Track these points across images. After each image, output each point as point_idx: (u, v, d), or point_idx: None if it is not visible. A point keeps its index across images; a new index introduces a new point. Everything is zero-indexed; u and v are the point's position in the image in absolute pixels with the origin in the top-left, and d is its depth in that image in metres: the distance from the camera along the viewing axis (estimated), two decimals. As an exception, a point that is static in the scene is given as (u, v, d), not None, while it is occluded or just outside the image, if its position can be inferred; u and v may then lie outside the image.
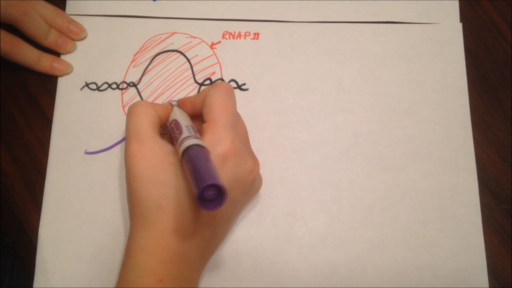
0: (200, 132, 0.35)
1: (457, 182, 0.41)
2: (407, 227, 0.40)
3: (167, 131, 0.38)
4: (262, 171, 0.41)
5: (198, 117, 0.38)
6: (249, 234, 0.40)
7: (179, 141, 0.33)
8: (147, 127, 0.35)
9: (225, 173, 0.33)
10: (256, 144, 0.42)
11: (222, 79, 0.44)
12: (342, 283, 0.39)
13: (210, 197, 0.28)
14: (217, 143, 0.33)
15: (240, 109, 0.43)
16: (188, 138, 0.32)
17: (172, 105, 0.39)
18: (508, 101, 0.43)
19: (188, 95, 0.44)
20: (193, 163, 0.30)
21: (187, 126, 0.35)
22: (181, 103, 0.39)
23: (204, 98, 0.36)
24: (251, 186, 0.37)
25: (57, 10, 0.45)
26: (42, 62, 0.44)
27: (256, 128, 0.42)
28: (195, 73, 0.44)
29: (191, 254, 0.34)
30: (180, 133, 0.34)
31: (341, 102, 0.43)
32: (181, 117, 0.36)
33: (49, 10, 0.45)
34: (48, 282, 0.40)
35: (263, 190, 0.41)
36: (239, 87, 0.44)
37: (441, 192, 0.41)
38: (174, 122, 0.36)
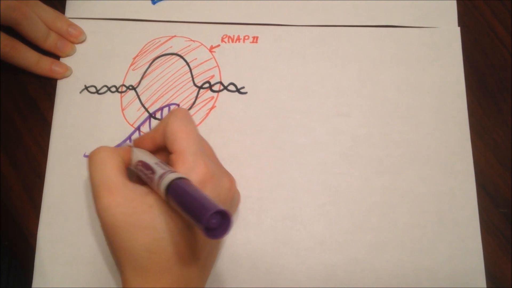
0: (169, 164, 0.34)
1: (455, 185, 0.41)
2: (405, 230, 0.40)
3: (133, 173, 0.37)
4: (261, 174, 0.41)
5: (161, 150, 0.37)
6: (248, 237, 0.40)
7: (155, 180, 0.32)
8: (114, 173, 0.34)
9: None
10: (255, 147, 0.42)
11: (221, 83, 0.44)
12: (340, 286, 0.39)
13: (213, 226, 0.27)
14: (191, 171, 0.33)
15: (238, 112, 0.43)
16: (165, 174, 0.31)
17: (131, 147, 0.38)
18: (506, 105, 0.43)
19: (187, 104, 0.44)
20: (185, 197, 0.29)
21: (156, 163, 0.34)
22: (140, 142, 0.38)
23: (164, 129, 0.35)
24: (231, 202, 0.36)
25: (57, 13, 0.45)
26: (42, 64, 0.44)
27: (254, 132, 0.43)
28: (194, 77, 0.45)
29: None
30: (153, 172, 0.33)
31: (339, 106, 0.43)
32: (145, 156, 0.35)
33: (49, 13, 0.45)
34: (47, 285, 0.40)
35: (261, 194, 0.41)
36: (238, 90, 0.44)
37: (439, 195, 0.41)
38: (140, 163, 0.35)
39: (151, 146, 0.37)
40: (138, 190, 0.33)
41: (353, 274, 0.39)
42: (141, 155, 0.36)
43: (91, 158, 0.35)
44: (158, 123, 0.37)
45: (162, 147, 0.36)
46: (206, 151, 0.36)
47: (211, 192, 0.33)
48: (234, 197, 0.37)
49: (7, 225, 0.42)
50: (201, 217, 0.27)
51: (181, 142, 0.34)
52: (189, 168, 0.33)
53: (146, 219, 0.32)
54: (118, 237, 0.32)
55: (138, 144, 0.38)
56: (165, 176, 0.31)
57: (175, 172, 0.32)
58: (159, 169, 0.32)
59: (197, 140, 0.35)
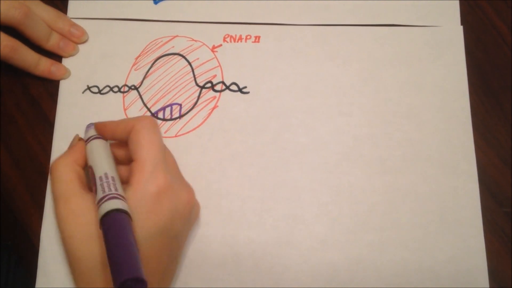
0: (130, 171, 0.34)
1: (458, 185, 0.41)
2: (408, 230, 0.40)
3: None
4: (263, 173, 0.41)
5: (119, 145, 0.37)
6: (250, 237, 0.40)
7: (96, 202, 0.32)
8: (72, 185, 0.34)
9: (162, 211, 0.33)
10: (257, 147, 0.42)
11: (223, 82, 0.44)
12: (342, 285, 0.39)
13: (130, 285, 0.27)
14: (148, 181, 0.33)
15: (241, 112, 0.43)
16: (103, 199, 0.31)
17: (84, 141, 0.38)
18: (509, 104, 0.43)
19: (189, 104, 0.44)
20: (112, 241, 0.29)
21: (100, 177, 0.33)
22: (100, 127, 0.38)
23: (128, 132, 0.35)
24: (189, 216, 0.36)
25: (58, 13, 0.45)
26: (41, 66, 0.44)
27: (256, 131, 0.43)
28: (196, 76, 0.45)
29: None
30: (95, 189, 0.33)
31: (341, 105, 0.43)
32: (97, 160, 0.35)
33: (50, 13, 0.45)
34: (50, 285, 0.40)
35: (263, 193, 0.41)
36: (240, 90, 0.44)
37: (441, 195, 0.41)
38: (90, 169, 0.35)
39: (110, 135, 0.37)
40: (94, 200, 0.33)
41: (356, 273, 0.39)
42: (91, 157, 0.36)
43: (50, 169, 0.36)
44: (125, 120, 0.37)
45: (118, 141, 0.37)
46: (168, 163, 0.36)
47: (167, 205, 0.33)
48: (192, 210, 0.36)
49: (10, 225, 0.42)
50: (116, 278, 0.27)
51: (143, 151, 0.34)
52: (147, 178, 0.33)
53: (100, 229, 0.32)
54: (73, 248, 0.33)
55: (99, 128, 0.38)
56: (103, 202, 0.31)
57: (116, 197, 0.31)
58: (100, 191, 0.32)
59: (160, 151, 0.35)
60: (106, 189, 0.32)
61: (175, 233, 0.35)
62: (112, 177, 0.34)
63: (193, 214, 0.37)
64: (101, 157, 0.36)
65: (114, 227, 0.30)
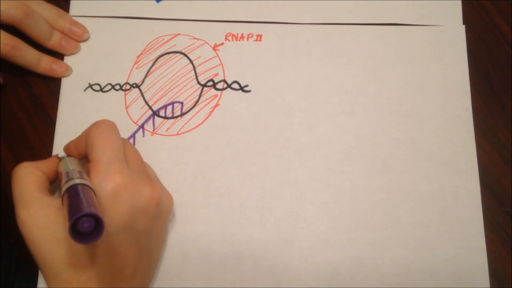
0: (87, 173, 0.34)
1: (459, 184, 0.41)
2: (409, 229, 0.40)
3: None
4: (264, 172, 0.42)
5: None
6: (251, 235, 0.40)
7: (62, 188, 0.32)
8: (31, 189, 0.34)
9: (120, 207, 0.32)
10: (258, 145, 0.42)
11: (225, 81, 0.44)
12: (343, 284, 0.39)
13: (87, 230, 0.27)
14: (105, 179, 0.32)
15: (242, 110, 0.43)
16: (67, 181, 0.31)
17: (58, 158, 0.38)
18: (510, 103, 0.43)
19: (191, 102, 0.44)
20: (71, 200, 0.29)
21: (67, 172, 0.33)
22: (67, 148, 0.39)
23: (86, 138, 0.35)
24: (156, 210, 0.35)
25: (59, 11, 0.45)
26: (42, 64, 0.44)
27: (258, 130, 0.43)
28: (198, 75, 0.45)
29: None
30: (61, 181, 0.33)
31: (343, 104, 0.43)
32: (70, 166, 0.35)
33: (51, 12, 0.45)
34: (51, 282, 0.40)
35: (265, 192, 0.41)
36: (241, 88, 0.44)
37: (442, 194, 0.41)
38: (60, 175, 0.35)
39: (75, 153, 0.38)
40: (54, 204, 0.34)
41: (356, 272, 0.39)
42: (63, 166, 0.36)
43: (12, 175, 0.36)
44: (83, 131, 0.37)
45: (86, 155, 0.36)
46: (130, 160, 0.35)
47: (126, 202, 0.33)
48: (159, 204, 0.36)
49: (11, 223, 0.42)
50: (70, 218, 0.27)
51: (97, 151, 0.34)
52: (103, 176, 0.33)
53: (61, 232, 0.32)
54: (37, 251, 0.33)
55: (66, 149, 0.39)
56: (68, 182, 0.31)
57: (80, 178, 0.31)
58: (65, 177, 0.32)
59: (116, 149, 0.35)
60: (74, 175, 0.33)
61: (142, 228, 0.34)
62: (79, 171, 0.34)
63: (161, 208, 0.37)
64: (71, 162, 0.36)
65: (77, 193, 0.30)
